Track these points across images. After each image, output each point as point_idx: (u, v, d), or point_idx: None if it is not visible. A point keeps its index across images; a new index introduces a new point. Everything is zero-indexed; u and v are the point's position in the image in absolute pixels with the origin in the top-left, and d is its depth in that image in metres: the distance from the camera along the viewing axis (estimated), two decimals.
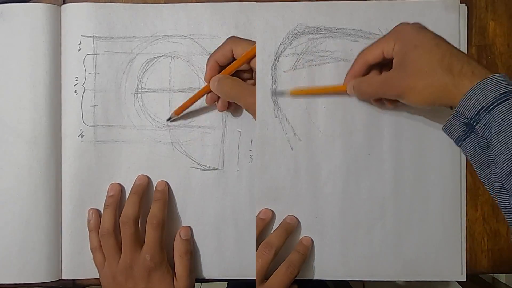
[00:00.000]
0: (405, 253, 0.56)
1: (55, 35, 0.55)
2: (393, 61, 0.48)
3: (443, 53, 0.45)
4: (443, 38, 0.47)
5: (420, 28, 0.48)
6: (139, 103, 0.56)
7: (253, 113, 0.53)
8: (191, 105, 0.55)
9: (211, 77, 0.52)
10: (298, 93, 0.55)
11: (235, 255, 0.56)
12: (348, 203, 0.56)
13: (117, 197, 0.55)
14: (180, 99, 0.56)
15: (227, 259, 0.56)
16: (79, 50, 0.55)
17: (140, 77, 0.56)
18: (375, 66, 0.51)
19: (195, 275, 0.56)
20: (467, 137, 0.45)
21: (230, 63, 0.51)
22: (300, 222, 0.56)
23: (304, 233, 0.56)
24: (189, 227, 0.56)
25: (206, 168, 0.56)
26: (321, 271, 0.56)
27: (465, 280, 0.56)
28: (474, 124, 0.43)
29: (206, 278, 0.57)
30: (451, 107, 0.46)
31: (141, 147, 0.56)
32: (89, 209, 0.55)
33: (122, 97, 0.56)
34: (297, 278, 0.55)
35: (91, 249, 0.55)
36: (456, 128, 0.45)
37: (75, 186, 0.56)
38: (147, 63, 0.56)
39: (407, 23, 0.49)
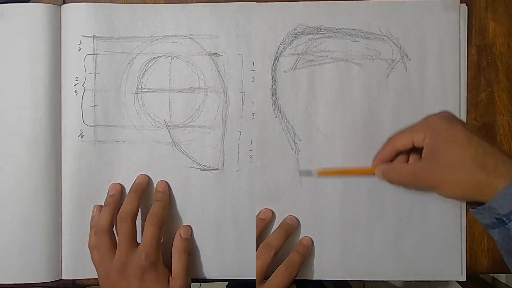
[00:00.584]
0: (405, 253, 0.56)
1: (55, 35, 0.55)
2: (423, 152, 0.49)
3: (476, 148, 0.45)
4: (474, 131, 0.48)
5: (450, 120, 0.48)
6: (139, 103, 0.56)
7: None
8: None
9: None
10: (325, 174, 0.55)
11: (235, 255, 0.56)
12: (348, 203, 0.56)
13: (117, 197, 0.55)
14: (180, 99, 0.56)
15: (227, 259, 0.56)
16: (79, 50, 0.55)
17: (140, 77, 0.56)
18: (403, 151, 0.52)
19: (191, 275, 0.55)
20: (496, 227, 0.46)
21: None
22: (300, 222, 0.56)
23: (304, 233, 0.56)
24: (189, 226, 0.56)
25: (206, 168, 0.56)
26: (321, 271, 0.56)
27: (465, 280, 0.56)
28: (507, 221, 0.44)
29: (206, 278, 0.57)
30: (480, 203, 0.47)
31: (141, 147, 0.56)
32: (94, 206, 0.55)
33: (122, 97, 0.56)
34: (297, 278, 0.55)
35: (88, 247, 0.55)
36: (485, 217, 0.47)
37: (75, 186, 0.56)
38: (147, 63, 0.56)
39: (436, 115, 0.50)
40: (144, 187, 0.55)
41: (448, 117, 0.49)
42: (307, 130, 0.56)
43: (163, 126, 0.56)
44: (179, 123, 0.56)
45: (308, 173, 0.55)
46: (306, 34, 0.55)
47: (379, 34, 0.55)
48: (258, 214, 0.55)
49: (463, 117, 0.55)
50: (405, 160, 0.52)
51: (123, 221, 0.52)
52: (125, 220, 0.52)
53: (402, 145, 0.51)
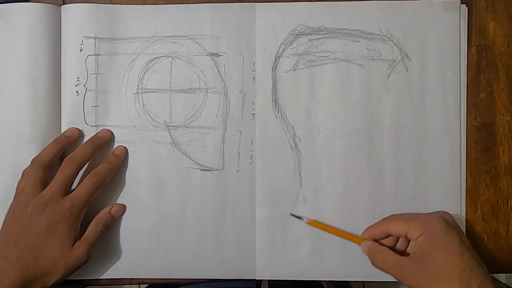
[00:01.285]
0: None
1: (55, 35, 0.55)
2: (415, 250, 0.50)
3: (465, 266, 0.47)
4: (468, 246, 0.49)
5: (448, 227, 0.49)
6: (140, 104, 0.56)
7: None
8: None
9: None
10: (314, 225, 0.55)
11: (235, 255, 0.56)
12: (348, 203, 0.56)
13: (70, 140, 0.55)
14: (181, 99, 0.56)
15: (227, 259, 0.56)
16: (80, 50, 0.55)
17: (141, 77, 0.56)
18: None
19: (94, 251, 0.53)
20: None
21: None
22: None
23: (304, 233, 0.56)
24: (124, 207, 0.56)
25: (206, 168, 0.56)
26: (321, 271, 0.56)
27: None
28: None
29: (207, 278, 0.57)
30: None
31: (142, 147, 0.56)
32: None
33: (123, 97, 0.56)
34: (297, 279, 0.55)
35: (23, 171, 0.53)
36: None
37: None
38: (147, 63, 0.56)
39: (436, 218, 0.50)
40: (104, 142, 0.55)
41: (447, 222, 0.50)
42: (307, 131, 0.56)
43: (164, 127, 0.56)
44: (180, 124, 0.56)
45: (298, 218, 0.56)
46: (307, 34, 0.55)
47: (379, 35, 0.55)
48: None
49: (463, 117, 0.55)
50: (393, 242, 0.53)
51: (67, 165, 0.52)
52: (70, 165, 0.52)
53: (396, 231, 0.52)
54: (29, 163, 0.53)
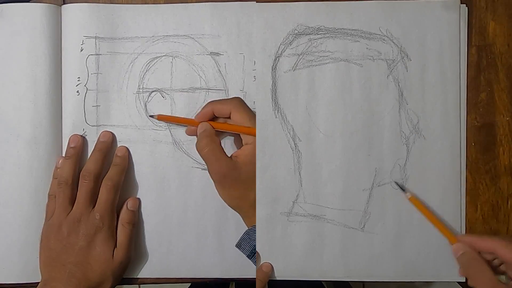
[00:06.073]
0: (404, 254, 0.56)
1: (55, 35, 0.55)
2: None
3: None
4: None
5: None
6: (141, 103, 0.56)
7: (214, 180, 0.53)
8: (173, 122, 0.56)
9: (202, 121, 0.54)
10: (414, 203, 0.54)
11: (236, 255, 0.56)
12: (348, 203, 0.56)
13: (79, 149, 0.55)
14: (182, 99, 0.56)
15: (228, 259, 0.56)
16: (81, 50, 0.55)
17: (142, 77, 0.56)
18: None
19: (133, 248, 0.55)
20: None
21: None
22: (300, 221, 0.56)
23: (304, 233, 0.56)
24: (138, 199, 0.57)
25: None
26: (321, 271, 0.56)
27: (464, 281, 0.56)
28: None
29: (207, 277, 0.57)
30: None
31: (143, 147, 0.56)
32: (59, 157, 0.55)
33: (124, 97, 0.56)
34: (297, 279, 0.55)
35: (48, 195, 0.55)
36: None
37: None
38: (148, 63, 0.56)
39: None
40: (109, 145, 0.56)
41: None
42: (307, 131, 0.56)
43: (165, 126, 0.56)
44: None
45: (402, 189, 0.55)
46: (306, 34, 0.55)
47: (379, 35, 0.55)
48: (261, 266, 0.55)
49: (463, 117, 0.55)
50: (490, 258, 0.50)
51: (85, 179, 0.53)
52: (87, 178, 0.53)
53: (506, 259, 0.48)
54: (55, 186, 0.54)
